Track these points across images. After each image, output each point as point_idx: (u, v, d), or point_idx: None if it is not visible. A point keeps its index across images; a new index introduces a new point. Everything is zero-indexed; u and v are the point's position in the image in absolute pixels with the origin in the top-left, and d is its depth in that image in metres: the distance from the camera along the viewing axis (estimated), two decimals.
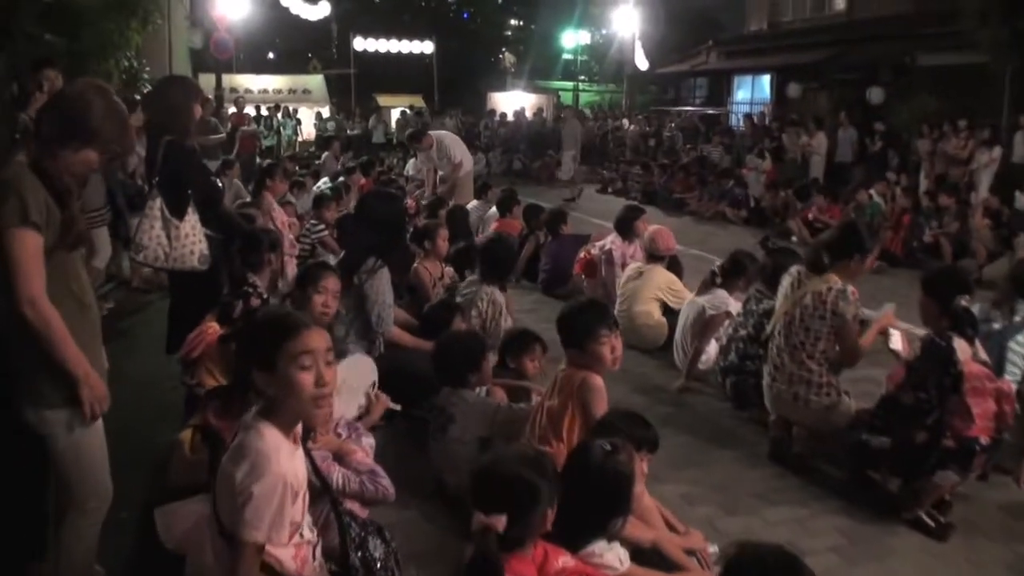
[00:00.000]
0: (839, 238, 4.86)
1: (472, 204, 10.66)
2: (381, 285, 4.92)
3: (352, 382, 4.07)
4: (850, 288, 4.63)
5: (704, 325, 6.10)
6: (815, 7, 26.08)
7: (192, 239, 4.86)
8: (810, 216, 12.98)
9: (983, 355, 4.31)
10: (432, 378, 4.49)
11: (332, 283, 4.43)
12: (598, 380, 3.72)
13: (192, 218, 4.88)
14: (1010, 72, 15.74)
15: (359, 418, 4.05)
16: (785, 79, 23.97)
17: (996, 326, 4.73)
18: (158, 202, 4.82)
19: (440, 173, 11.46)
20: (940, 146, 15.52)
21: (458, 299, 5.72)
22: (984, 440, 4.00)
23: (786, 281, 4.91)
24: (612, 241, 7.86)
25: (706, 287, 6.37)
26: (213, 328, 4.16)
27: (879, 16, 21.79)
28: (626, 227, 7.88)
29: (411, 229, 7.30)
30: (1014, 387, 4.25)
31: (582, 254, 8.35)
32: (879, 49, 20.62)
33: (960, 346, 4.06)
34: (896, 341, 4.79)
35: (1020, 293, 4.81)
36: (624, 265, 7.60)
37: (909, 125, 16.79)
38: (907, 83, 19.21)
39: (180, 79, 6.37)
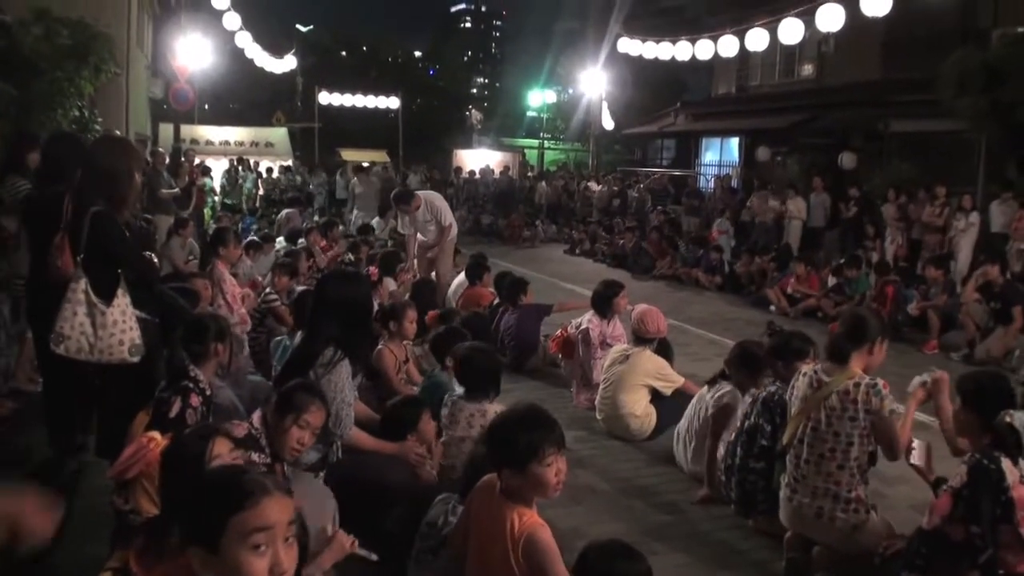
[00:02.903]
0: (853, 326, 4.39)
1: (459, 279, 9.73)
2: (340, 380, 4.21)
3: (304, 511, 3.32)
4: (880, 381, 4.16)
5: (711, 424, 5.48)
6: (784, 72, 26.29)
7: (122, 326, 4.24)
8: (789, 288, 12.55)
9: None
10: (404, 489, 3.93)
11: (316, 417, 3.68)
12: (545, 535, 3.06)
13: (122, 301, 4.25)
14: (985, 140, 15.68)
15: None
16: (754, 142, 23.93)
17: None
18: (82, 283, 4.19)
19: (423, 238, 10.38)
20: (915, 213, 15.28)
21: (445, 427, 4.82)
22: None
23: (802, 382, 4.35)
24: (589, 319, 7.30)
25: (715, 382, 5.77)
26: (155, 443, 3.42)
27: (849, 82, 21.90)
28: (604, 304, 7.31)
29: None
30: None
31: (559, 332, 7.79)
32: (850, 115, 20.63)
33: (1008, 467, 3.52)
34: (917, 455, 4.27)
35: None
36: (603, 345, 7.05)
37: (882, 191, 16.62)
38: (879, 149, 19.21)
39: (119, 141, 5.71)
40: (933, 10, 17.62)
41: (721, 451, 5.31)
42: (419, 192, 10.59)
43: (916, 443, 4.36)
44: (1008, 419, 3.68)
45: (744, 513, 4.99)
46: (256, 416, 3.61)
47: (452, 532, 3.48)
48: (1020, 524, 3.44)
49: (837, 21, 14.02)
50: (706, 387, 5.80)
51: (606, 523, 4.88)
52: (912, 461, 4.30)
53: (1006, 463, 3.54)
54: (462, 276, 9.49)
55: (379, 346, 5.95)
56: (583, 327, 7.28)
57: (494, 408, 4.54)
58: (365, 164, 27.32)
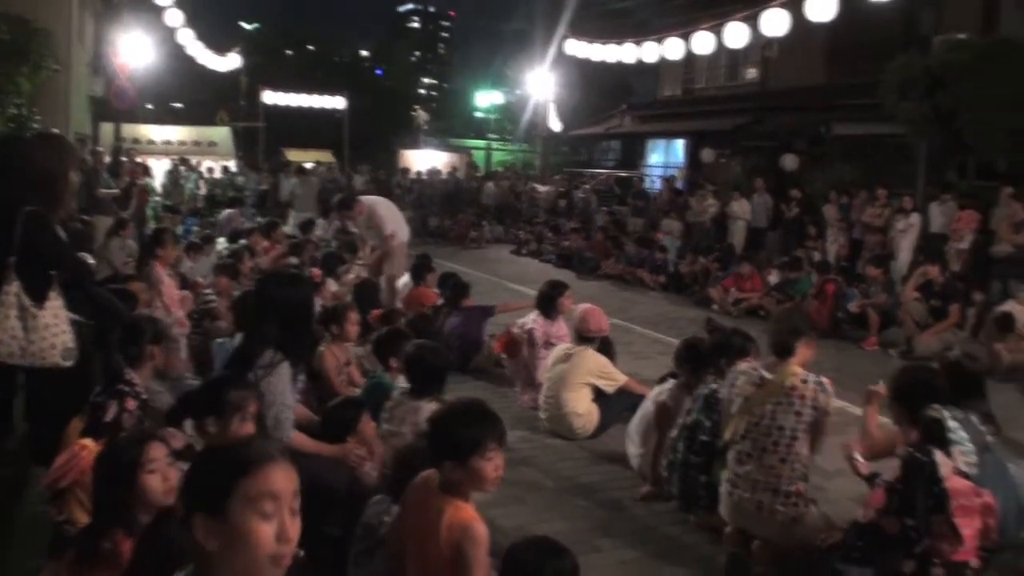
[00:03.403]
0: (791, 322, 4.56)
1: (404, 279, 9.67)
2: (280, 383, 4.14)
3: None
4: (825, 380, 4.29)
5: (652, 421, 5.51)
6: (729, 76, 26.54)
7: (54, 329, 4.14)
8: (731, 286, 12.71)
9: (963, 466, 3.86)
10: (344, 491, 3.88)
11: (255, 407, 3.67)
12: (481, 529, 3.06)
13: (55, 304, 4.16)
14: (926, 145, 15.97)
15: None
16: (699, 144, 24.12)
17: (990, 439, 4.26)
18: (14, 286, 4.09)
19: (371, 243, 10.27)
20: (856, 213, 15.56)
21: (383, 421, 4.80)
22: (974, 563, 3.59)
23: (742, 380, 4.40)
24: (534, 319, 7.30)
25: (664, 380, 5.79)
26: (88, 450, 3.34)
27: (792, 86, 22.18)
28: (548, 304, 7.32)
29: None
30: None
31: (504, 332, 7.76)
32: (793, 118, 20.92)
33: (941, 459, 3.60)
34: (861, 456, 4.35)
35: None
36: (547, 345, 7.06)
37: (824, 193, 16.88)
38: (822, 151, 19.48)
39: (54, 139, 5.49)
40: (876, 17, 17.88)
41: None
42: (363, 198, 10.28)
43: (857, 449, 4.41)
44: (935, 413, 3.75)
45: (686, 508, 5.02)
46: (189, 425, 3.56)
47: (389, 532, 3.47)
48: (954, 514, 3.52)
49: (782, 26, 14.22)
50: (656, 385, 5.84)
51: (550, 521, 4.89)
52: (855, 460, 4.35)
53: (940, 456, 3.62)
54: (407, 277, 9.46)
55: (321, 348, 5.90)
56: (528, 327, 7.28)
57: (429, 407, 4.53)
58: (308, 165, 27.19)
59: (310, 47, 55.04)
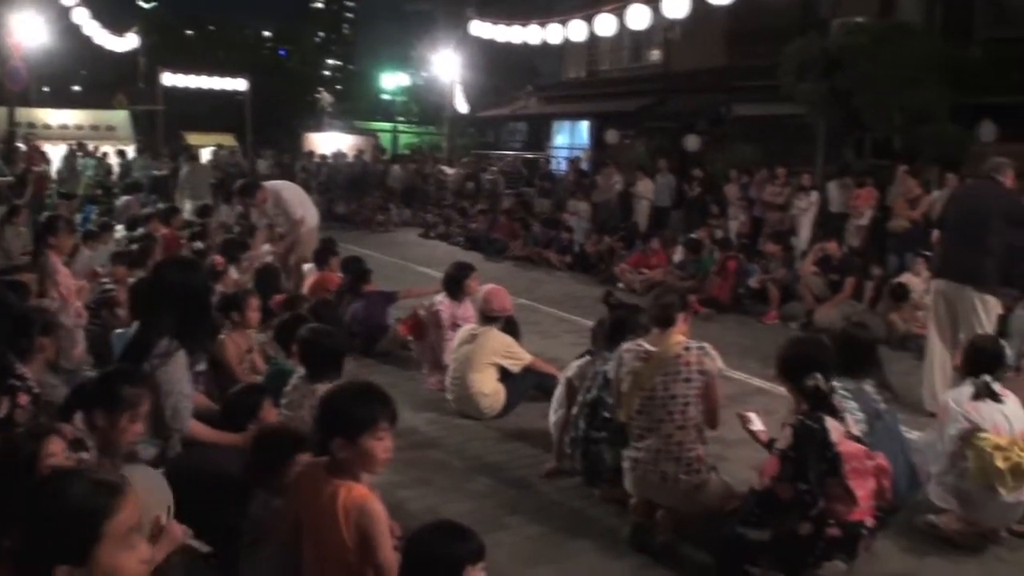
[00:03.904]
0: (667, 296, 4.68)
1: (308, 265, 9.51)
2: (176, 372, 4.08)
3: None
4: (707, 344, 4.39)
5: (563, 397, 5.53)
6: (632, 58, 26.82)
7: None
8: (636, 264, 12.95)
9: (856, 430, 4.00)
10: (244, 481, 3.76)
11: (147, 405, 3.58)
12: (376, 505, 3.08)
13: None
14: (824, 124, 16.38)
15: None
16: (603, 125, 24.35)
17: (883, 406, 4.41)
18: None
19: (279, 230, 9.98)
20: (756, 192, 15.90)
21: (282, 407, 4.67)
22: (869, 522, 3.74)
23: (628, 357, 4.47)
24: (440, 301, 7.29)
25: (581, 357, 5.81)
26: None
27: (694, 68, 22.46)
28: (455, 286, 7.32)
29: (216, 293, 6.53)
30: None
31: (410, 314, 7.75)
32: (695, 99, 21.23)
33: (832, 425, 3.72)
34: (756, 421, 4.46)
35: None
36: (454, 326, 7.06)
37: (726, 172, 17.24)
38: (723, 132, 19.83)
39: None
40: (776, 0, 18.34)
41: None
42: (267, 184, 10.01)
43: (751, 413, 4.53)
44: (814, 382, 3.87)
45: (591, 483, 5.11)
46: (78, 417, 3.48)
47: (277, 520, 3.43)
48: (847, 477, 3.65)
49: (682, 8, 14.42)
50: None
51: (457, 501, 4.93)
52: (750, 428, 4.46)
53: (830, 422, 3.75)
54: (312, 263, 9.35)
55: (221, 336, 5.80)
56: (434, 308, 7.27)
57: (326, 388, 4.51)
58: (210, 149, 26.62)
59: (211, 27, 53.77)
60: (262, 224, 9.93)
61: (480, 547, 2.79)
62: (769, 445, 4.17)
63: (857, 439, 3.90)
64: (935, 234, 7.84)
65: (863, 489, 3.71)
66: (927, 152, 14.94)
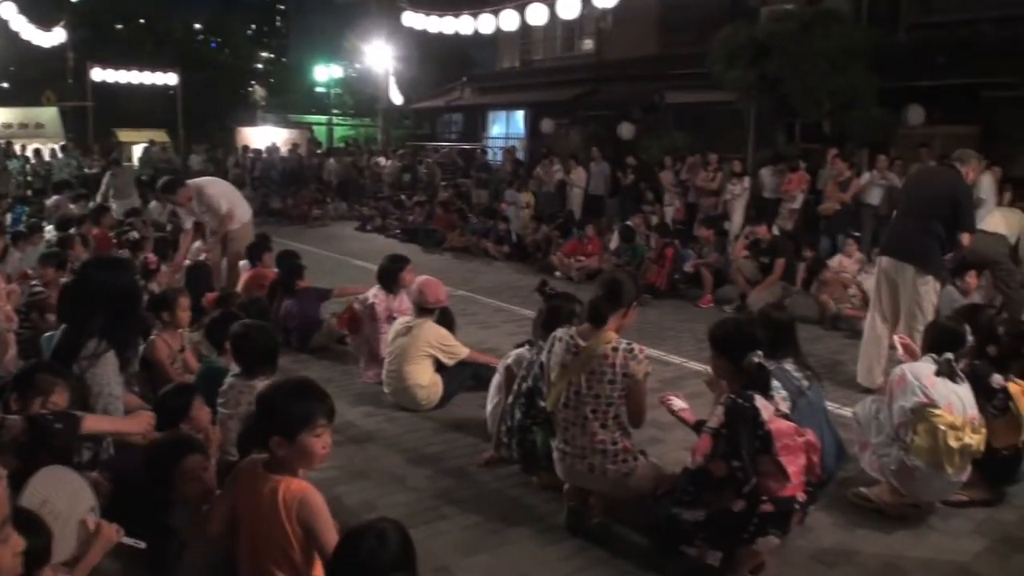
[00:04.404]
0: (612, 289, 4.58)
1: (242, 261, 9.38)
2: (106, 374, 4.02)
3: (57, 506, 3.04)
4: (637, 346, 4.35)
5: (502, 385, 5.56)
6: (565, 47, 26.92)
7: None
8: (572, 251, 13.06)
9: (784, 408, 4.09)
10: None
11: (62, 399, 3.53)
12: (317, 497, 3.11)
13: None
14: (754, 111, 16.60)
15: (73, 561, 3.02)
16: (538, 115, 24.42)
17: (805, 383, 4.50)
18: None
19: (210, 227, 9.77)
20: (691, 178, 16.09)
21: (220, 404, 4.65)
22: (801, 497, 3.80)
23: (558, 347, 4.48)
24: (375, 294, 7.27)
25: (521, 346, 5.79)
26: None
27: (627, 57, 22.62)
28: (389, 279, 7.32)
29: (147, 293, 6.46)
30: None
31: (346, 308, 7.69)
32: (628, 87, 21.39)
33: (762, 404, 3.80)
34: (678, 402, 4.53)
35: None
36: (389, 319, 7.04)
37: (660, 159, 17.41)
38: (656, 120, 20.00)
39: None
40: None
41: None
42: (191, 181, 9.77)
43: (673, 397, 4.61)
44: (757, 359, 3.94)
45: (528, 470, 5.15)
46: None
47: (209, 517, 3.41)
48: (779, 453, 3.72)
49: None
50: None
51: (395, 494, 4.93)
52: (674, 408, 4.54)
53: (760, 400, 3.82)
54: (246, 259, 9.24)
55: (152, 336, 5.74)
56: (369, 302, 7.26)
57: (263, 383, 4.49)
58: (142, 145, 26.19)
59: (141, 20, 52.60)
60: (189, 223, 9.73)
61: (403, 543, 2.76)
62: (697, 426, 4.23)
63: (786, 416, 3.97)
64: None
65: (794, 465, 3.77)
66: (856, 136, 15.29)
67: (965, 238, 6.97)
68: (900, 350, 5.56)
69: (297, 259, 8.80)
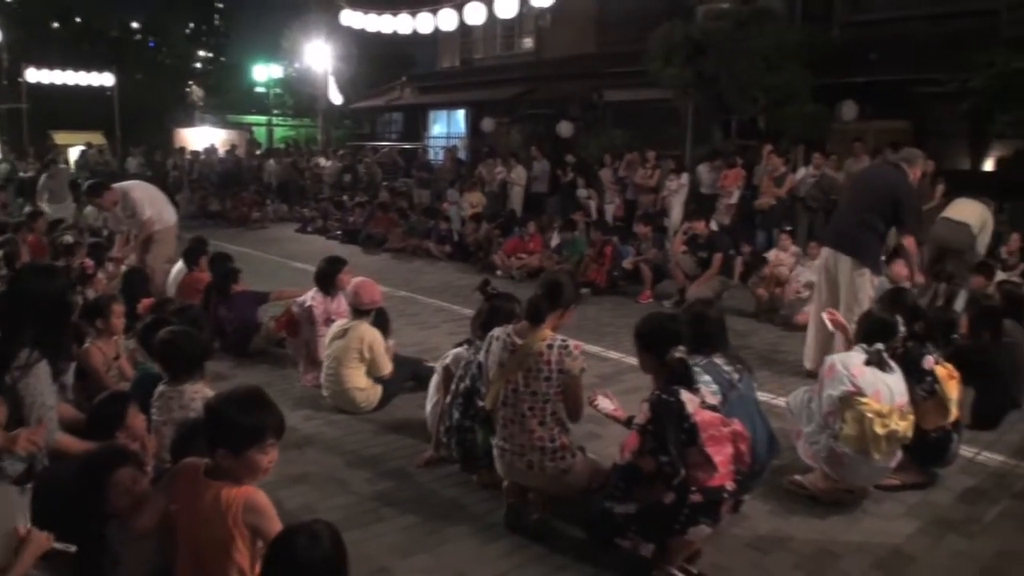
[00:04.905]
0: (551, 290, 4.66)
1: (179, 265, 9.21)
2: (39, 384, 3.95)
3: None
4: (572, 343, 4.41)
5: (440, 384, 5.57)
6: (505, 46, 26.99)
7: None
8: (513, 249, 13.11)
9: (710, 400, 4.16)
10: None
11: (3, 413, 3.51)
12: (262, 498, 3.11)
13: None
14: (691, 108, 16.80)
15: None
16: (479, 114, 24.45)
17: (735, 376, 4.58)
18: None
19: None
20: (629, 175, 16.23)
21: (153, 411, 4.61)
22: (730, 486, 3.87)
23: (496, 346, 4.54)
24: (313, 297, 7.24)
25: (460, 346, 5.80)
26: None
27: (566, 56, 22.75)
28: (327, 281, 7.28)
29: (81, 299, 6.35)
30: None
31: (284, 311, 7.67)
32: (567, 86, 21.49)
33: (687, 397, 3.87)
34: (605, 403, 4.58)
35: None
36: (327, 322, 7.01)
37: (599, 157, 17.56)
38: (595, 118, 20.14)
39: None
40: None
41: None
42: (117, 185, 9.49)
43: (602, 398, 4.68)
44: (679, 354, 4.02)
45: (468, 469, 5.18)
46: None
47: (140, 511, 3.39)
48: (705, 444, 3.80)
49: None
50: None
51: (334, 497, 4.93)
52: (602, 409, 4.61)
53: (685, 394, 3.89)
54: (181, 263, 9.10)
55: (87, 344, 5.67)
56: (307, 304, 7.23)
57: (192, 388, 4.47)
58: (78, 148, 25.71)
59: (76, 19, 51.56)
60: (120, 227, 9.57)
61: (329, 555, 2.76)
62: (628, 422, 4.30)
63: (712, 408, 4.05)
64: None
65: (721, 455, 3.83)
66: (791, 132, 15.54)
67: (909, 241, 7.21)
68: (830, 325, 5.73)
69: (231, 262, 8.73)
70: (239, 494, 3.07)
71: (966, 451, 5.62)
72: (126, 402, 4.36)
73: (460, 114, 27.85)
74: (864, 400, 4.67)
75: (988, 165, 15.59)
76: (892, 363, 4.90)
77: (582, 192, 16.99)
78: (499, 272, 12.77)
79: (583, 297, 10.61)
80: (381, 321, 6.80)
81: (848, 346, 5.32)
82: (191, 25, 64.18)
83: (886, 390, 4.74)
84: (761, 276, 10.49)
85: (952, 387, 5.15)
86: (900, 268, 8.45)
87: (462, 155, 23.33)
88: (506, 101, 23.34)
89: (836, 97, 15.68)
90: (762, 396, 4.94)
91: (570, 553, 4.29)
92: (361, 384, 6.35)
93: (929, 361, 5.15)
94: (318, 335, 7.01)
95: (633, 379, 6.81)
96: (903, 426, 4.72)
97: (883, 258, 7.73)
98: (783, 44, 15.42)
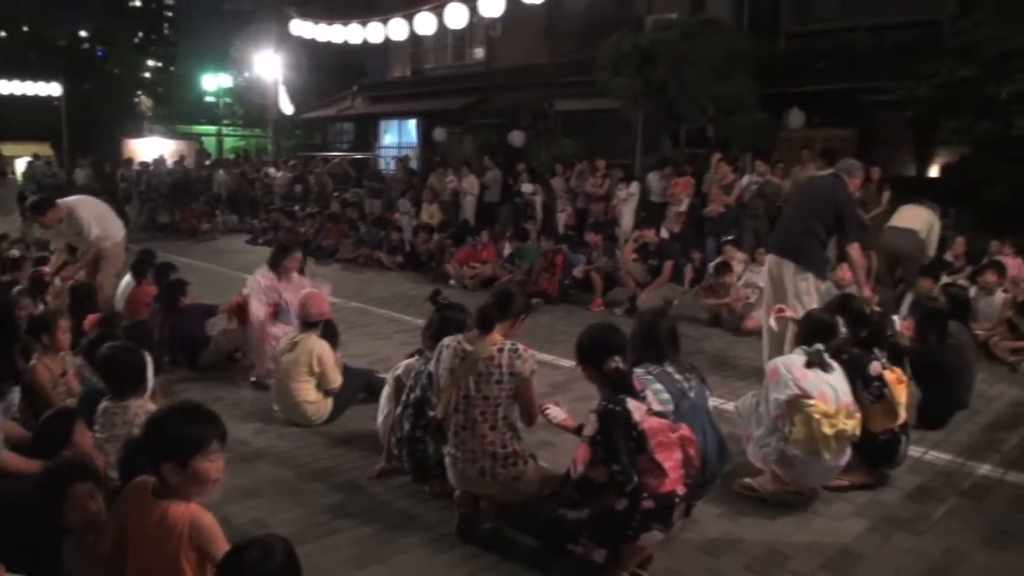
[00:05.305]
0: (502, 300, 4.73)
1: (125, 280, 9.10)
2: None
3: None
4: (521, 346, 4.48)
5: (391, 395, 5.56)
6: (456, 56, 26.98)
7: None
8: (465, 259, 13.14)
9: (657, 406, 4.21)
10: None
11: None
12: (207, 517, 3.10)
13: None
14: (641, 117, 16.95)
15: None
16: (431, 124, 24.46)
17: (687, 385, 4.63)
18: None
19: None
20: (579, 184, 16.33)
21: (96, 428, 4.55)
22: (681, 491, 3.92)
23: (447, 354, 4.56)
24: (263, 274, 7.51)
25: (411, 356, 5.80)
26: None
27: (517, 65, 22.85)
28: (276, 261, 7.54)
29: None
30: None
31: (232, 300, 7.78)
32: (518, 95, 21.56)
33: (633, 405, 3.91)
34: (556, 411, 4.62)
35: None
36: (277, 305, 7.25)
37: (551, 166, 17.64)
38: (546, 127, 20.23)
39: None
40: None
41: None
42: (62, 201, 9.07)
43: (551, 407, 4.68)
44: (614, 364, 4.06)
45: (420, 480, 5.18)
46: None
47: (99, 537, 3.37)
48: (654, 451, 3.84)
49: (498, 7, 14.60)
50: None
51: (286, 511, 4.90)
52: (553, 420, 4.62)
53: (631, 403, 3.93)
54: (129, 276, 9.00)
55: (33, 361, 5.58)
56: (255, 279, 7.48)
57: (137, 404, 4.44)
58: (25, 159, 25.30)
59: (24, 28, 50.62)
60: (60, 244, 9.37)
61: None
62: (578, 430, 4.33)
63: (660, 414, 4.09)
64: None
65: (671, 460, 3.88)
66: (739, 140, 15.73)
67: (854, 249, 7.39)
68: (774, 323, 5.81)
69: (174, 271, 8.68)
70: (184, 515, 3.05)
71: (914, 451, 5.75)
72: (72, 419, 4.32)
73: (411, 124, 27.83)
74: (810, 402, 4.76)
75: (933, 171, 15.88)
76: (832, 363, 5.01)
77: (527, 187, 17.08)
78: (452, 282, 12.80)
79: (534, 307, 10.66)
80: (330, 333, 6.78)
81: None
82: (140, 34, 63.37)
83: (830, 391, 4.84)
84: (710, 285, 10.63)
85: (901, 391, 5.27)
86: (844, 272, 8.65)
87: (414, 165, 23.28)
88: (457, 111, 23.36)
89: (784, 106, 15.91)
90: (713, 401, 4.99)
91: (523, 561, 4.32)
92: (311, 397, 6.33)
93: (876, 367, 5.25)
94: (264, 312, 7.19)
95: (585, 387, 6.77)
96: (850, 425, 4.83)
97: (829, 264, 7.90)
98: (731, 54, 15.63)
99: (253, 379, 7.34)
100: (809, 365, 4.90)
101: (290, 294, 7.30)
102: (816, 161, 13.76)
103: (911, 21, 15.95)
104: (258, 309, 7.33)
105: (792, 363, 4.95)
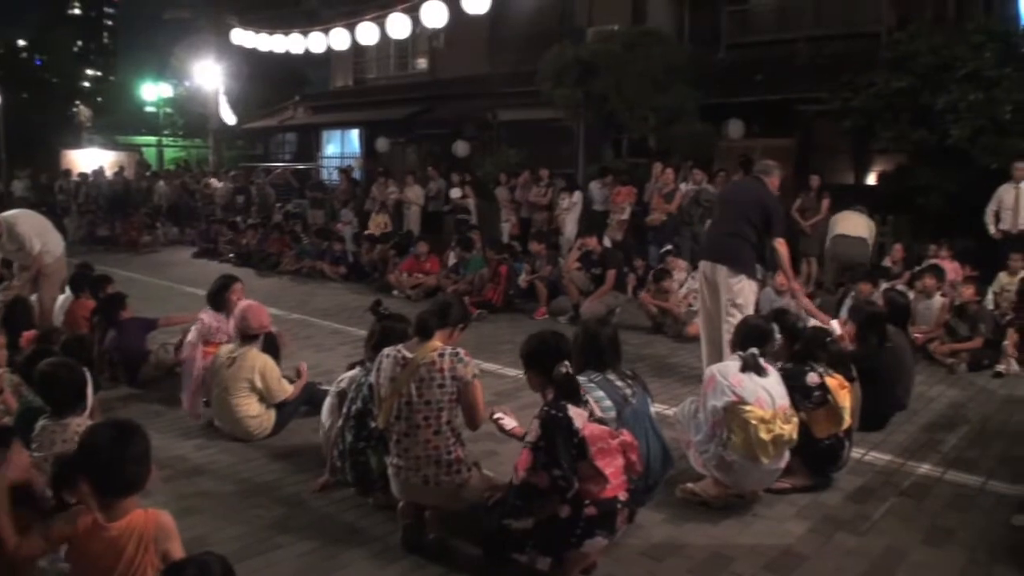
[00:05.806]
0: (441, 308, 4.76)
1: (64, 294, 8.94)
2: None
3: None
4: (461, 350, 4.50)
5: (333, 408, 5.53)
6: (399, 66, 27.04)
7: None
8: (408, 269, 13.15)
9: (599, 413, 4.26)
10: None
11: None
12: (168, 517, 3.21)
13: None
14: (583, 127, 17.09)
15: None
16: (374, 134, 24.44)
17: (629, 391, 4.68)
18: None
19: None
20: (523, 194, 16.41)
21: (34, 446, 4.43)
22: (623, 496, 3.97)
23: (386, 363, 4.56)
24: (205, 315, 7.23)
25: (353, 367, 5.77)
26: None
27: (460, 76, 22.93)
28: (217, 298, 7.26)
29: None
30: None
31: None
32: (462, 106, 21.64)
33: (575, 412, 3.96)
34: (509, 421, 4.64)
35: None
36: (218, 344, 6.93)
37: (495, 176, 17.71)
38: (490, 137, 20.33)
39: None
40: (534, 9, 19.02)
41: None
42: (0, 216, 8.91)
43: (501, 414, 4.74)
44: (564, 370, 4.10)
45: (363, 492, 5.16)
46: None
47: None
48: (595, 457, 3.88)
49: (441, 18, 14.60)
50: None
51: (227, 527, 4.85)
52: (504, 427, 4.68)
53: (573, 410, 3.98)
54: (68, 291, 8.85)
55: None
56: (202, 321, 7.16)
57: (76, 422, 4.38)
58: None
59: None
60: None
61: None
62: (524, 438, 4.36)
63: (601, 421, 4.14)
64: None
65: (612, 467, 3.93)
66: (680, 149, 15.91)
67: (779, 244, 7.57)
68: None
69: (109, 283, 8.59)
70: (149, 517, 3.11)
71: (855, 452, 5.84)
72: (10, 437, 4.22)
73: (354, 134, 27.79)
74: (747, 408, 4.84)
75: (871, 179, 16.23)
76: (767, 366, 5.09)
77: (455, 192, 17.14)
78: (396, 292, 12.78)
79: (479, 317, 10.71)
80: (271, 346, 6.72)
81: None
82: (79, 43, 62.41)
83: (766, 396, 4.92)
84: (646, 291, 10.76)
85: (844, 395, 5.37)
86: (781, 278, 8.81)
87: (357, 175, 23.21)
88: (401, 121, 23.39)
89: (723, 116, 16.17)
90: (655, 407, 5.04)
91: (468, 571, 4.33)
92: (253, 412, 6.25)
93: (813, 378, 5.35)
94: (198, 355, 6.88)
95: (530, 395, 6.79)
96: (787, 429, 4.90)
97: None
98: (671, 65, 15.86)
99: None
100: (744, 369, 4.98)
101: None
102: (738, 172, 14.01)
103: (848, 33, 16.33)
104: (193, 352, 7.03)
105: (728, 370, 5.03)
